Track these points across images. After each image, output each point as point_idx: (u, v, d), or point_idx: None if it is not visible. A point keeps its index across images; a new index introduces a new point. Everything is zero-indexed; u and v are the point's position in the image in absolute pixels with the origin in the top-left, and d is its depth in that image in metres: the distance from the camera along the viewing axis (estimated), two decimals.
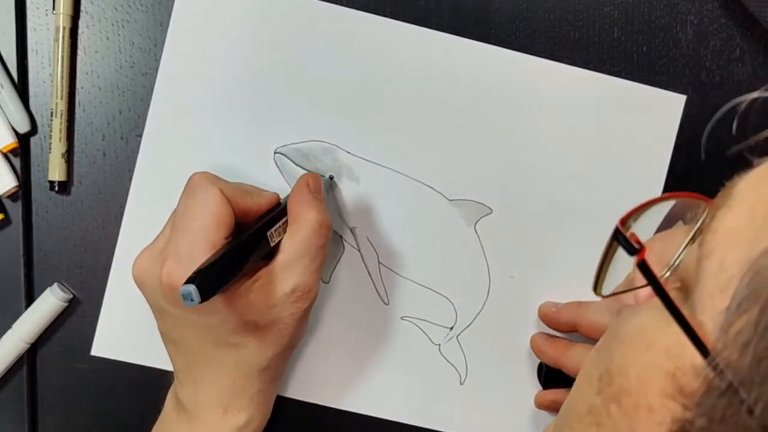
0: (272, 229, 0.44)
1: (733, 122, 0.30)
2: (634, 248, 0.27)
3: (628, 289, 0.30)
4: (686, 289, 0.26)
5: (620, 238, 0.28)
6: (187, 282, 0.37)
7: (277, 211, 0.45)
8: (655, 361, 0.25)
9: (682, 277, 0.27)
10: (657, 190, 0.50)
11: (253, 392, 0.45)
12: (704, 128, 0.51)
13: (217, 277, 0.39)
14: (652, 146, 0.50)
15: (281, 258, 0.44)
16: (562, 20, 0.50)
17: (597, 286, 0.30)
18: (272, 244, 0.44)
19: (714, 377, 0.23)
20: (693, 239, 0.28)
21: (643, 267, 0.27)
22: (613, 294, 0.31)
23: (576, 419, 0.29)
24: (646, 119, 0.50)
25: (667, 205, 0.31)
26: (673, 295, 0.26)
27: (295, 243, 0.44)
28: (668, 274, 0.29)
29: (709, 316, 0.23)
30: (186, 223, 0.42)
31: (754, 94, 0.29)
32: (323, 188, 0.49)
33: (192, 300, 0.37)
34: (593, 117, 0.50)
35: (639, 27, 0.50)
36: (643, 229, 0.29)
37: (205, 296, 0.38)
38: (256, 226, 0.44)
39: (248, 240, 0.43)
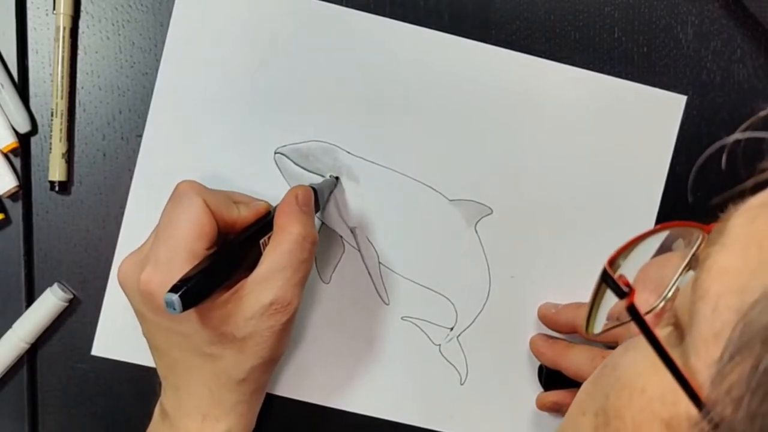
0: (264, 238, 0.44)
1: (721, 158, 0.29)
2: (622, 291, 0.26)
3: (620, 323, 0.29)
4: (681, 329, 0.25)
5: (608, 281, 0.27)
6: (171, 290, 0.38)
7: (267, 221, 0.45)
8: (650, 406, 0.25)
9: (676, 315, 0.26)
10: (657, 190, 0.50)
11: (232, 403, 0.45)
12: (705, 129, 0.51)
13: (200, 288, 0.40)
14: (653, 146, 0.50)
15: (261, 270, 0.43)
16: (562, 20, 0.50)
17: (588, 326, 0.29)
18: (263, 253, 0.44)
19: (709, 430, 0.22)
20: (688, 266, 0.27)
21: (633, 312, 0.25)
22: (606, 331, 0.29)
23: None
24: (647, 119, 0.50)
25: (662, 235, 0.29)
26: (667, 334, 0.25)
27: (276, 255, 0.43)
28: (662, 304, 0.28)
29: (703, 363, 0.23)
30: (168, 232, 0.42)
31: (735, 136, 0.28)
32: (327, 190, 0.49)
33: (174, 309, 0.38)
34: (593, 117, 0.50)
35: (639, 27, 0.50)
36: (637, 263, 0.28)
37: (186, 305, 0.38)
38: (242, 237, 0.44)
39: (234, 251, 0.43)
